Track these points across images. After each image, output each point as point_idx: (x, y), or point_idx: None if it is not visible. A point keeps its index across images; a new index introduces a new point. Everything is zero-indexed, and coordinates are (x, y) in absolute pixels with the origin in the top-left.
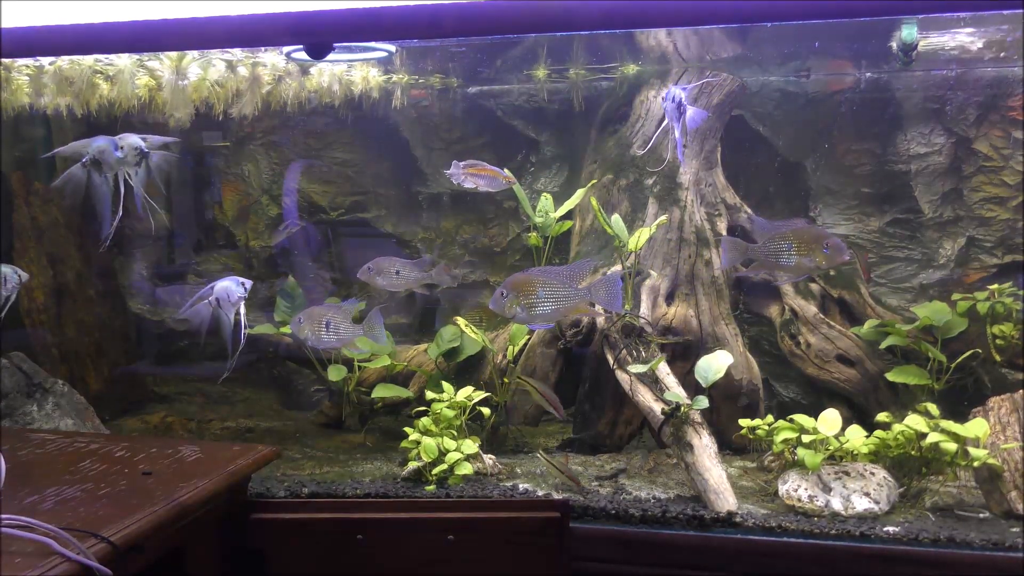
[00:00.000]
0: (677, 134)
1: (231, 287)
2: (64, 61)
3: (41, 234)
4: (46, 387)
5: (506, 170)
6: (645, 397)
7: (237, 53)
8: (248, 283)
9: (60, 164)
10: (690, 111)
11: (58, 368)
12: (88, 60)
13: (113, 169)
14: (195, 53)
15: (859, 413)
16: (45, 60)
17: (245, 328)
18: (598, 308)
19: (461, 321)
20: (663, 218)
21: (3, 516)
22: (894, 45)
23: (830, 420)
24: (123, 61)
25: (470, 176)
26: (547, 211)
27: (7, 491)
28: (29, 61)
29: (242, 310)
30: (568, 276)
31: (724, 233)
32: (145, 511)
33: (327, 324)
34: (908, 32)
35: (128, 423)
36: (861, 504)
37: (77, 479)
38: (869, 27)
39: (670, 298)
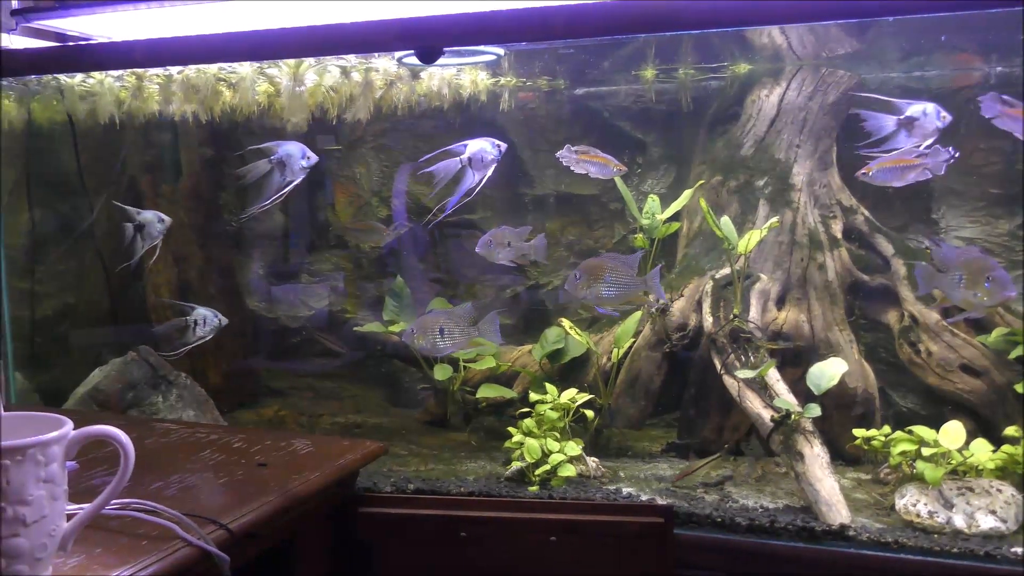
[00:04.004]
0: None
1: (487, 148)
2: (191, 70)
3: (167, 234)
4: (170, 379)
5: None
6: (753, 403)
7: (351, 59)
8: (503, 146)
9: (186, 167)
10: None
11: (181, 362)
12: (212, 69)
13: (294, 175)
14: (312, 60)
15: (984, 426)
16: (174, 69)
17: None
18: (706, 312)
19: (566, 323)
20: (774, 220)
21: (132, 500)
22: None
23: (953, 433)
24: (244, 69)
25: (581, 162)
26: (654, 213)
27: (135, 477)
28: (159, 71)
29: (489, 172)
30: (630, 265)
31: (839, 236)
32: (260, 501)
33: (441, 330)
34: None
35: (244, 415)
36: (986, 522)
37: (198, 468)
38: (1000, 19)
39: (781, 302)
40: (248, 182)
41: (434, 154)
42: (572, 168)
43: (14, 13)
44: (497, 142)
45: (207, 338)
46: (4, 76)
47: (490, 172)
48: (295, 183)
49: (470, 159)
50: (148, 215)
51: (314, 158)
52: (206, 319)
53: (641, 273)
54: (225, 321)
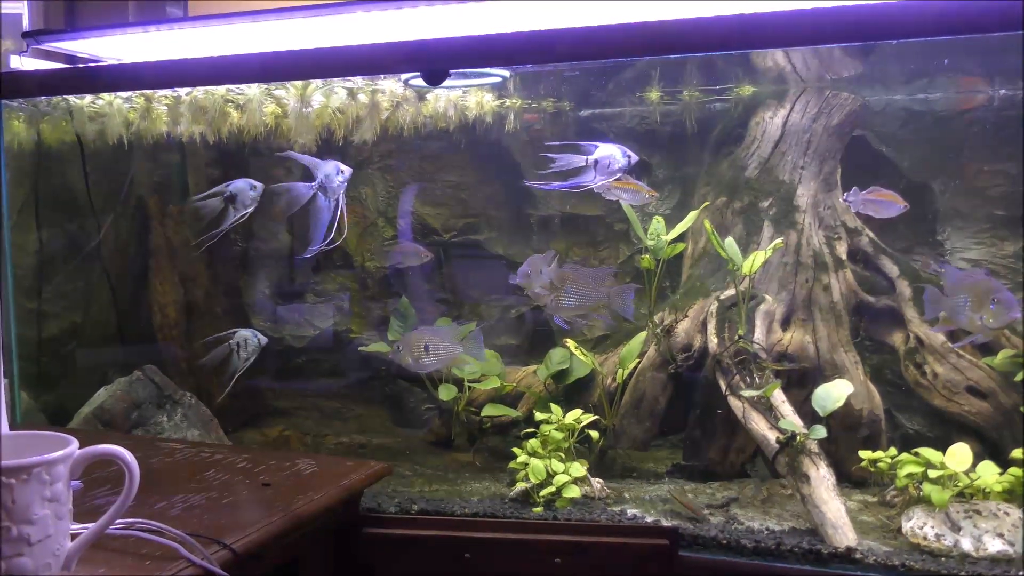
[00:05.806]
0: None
1: (616, 155)
2: (199, 92)
3: (174, 254)
4: (175, 399)
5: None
6: (759, 425)
7: (358, 81)
8: (634, 158)
9: (194, 188)
10: None
11: (186, 381)
12: (220, 90)
13: (335, 193)
14: (319, 82)
15: (991, 448)
16: (182, 91)
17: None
18: (711, 333)
19: (571, 343)
20: (779, 241)
21: (136, 520)
22: None
23: (959, 455)
24: (252, 91)
25: (614, 189)
26: (659, 234)
27: (140, 496)
28: (167, 92)
29: (610, 180)
30: (592, 278)
31: (844, 257)
32: (264, 521)
33: (426, 347)
34: None
35: (248, 435)
36: (994, 546)
37: (203, 487)
38: (1004, 42)
39: (786, 323)
40: (284, 205)
41: (563, 144)
42: (604, 195)
43: (25, 35)
44: (628, 152)
45: (252, 359)
46: (15, 97)
47: (611, 180)
48: (341, 203)
49: (596, 161)
50: (239, 183)
51: (348, 171)
52: (247, 340)
53: (640, 296)
54: (265, 340)
